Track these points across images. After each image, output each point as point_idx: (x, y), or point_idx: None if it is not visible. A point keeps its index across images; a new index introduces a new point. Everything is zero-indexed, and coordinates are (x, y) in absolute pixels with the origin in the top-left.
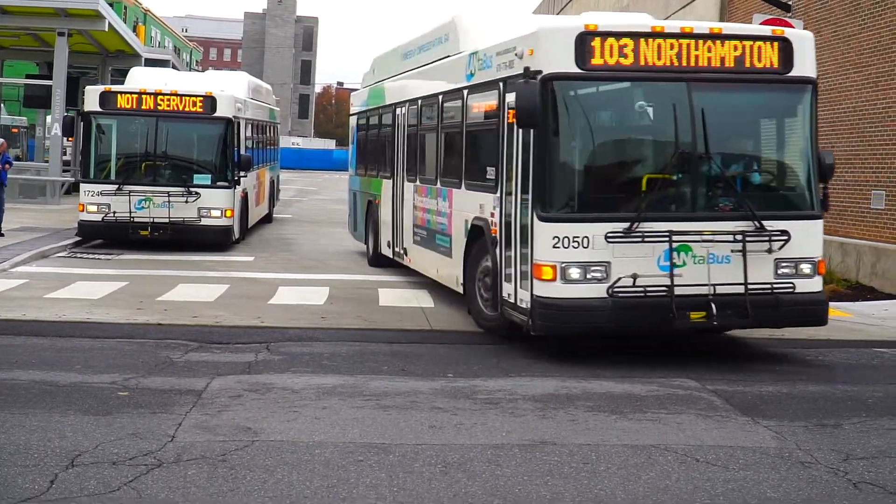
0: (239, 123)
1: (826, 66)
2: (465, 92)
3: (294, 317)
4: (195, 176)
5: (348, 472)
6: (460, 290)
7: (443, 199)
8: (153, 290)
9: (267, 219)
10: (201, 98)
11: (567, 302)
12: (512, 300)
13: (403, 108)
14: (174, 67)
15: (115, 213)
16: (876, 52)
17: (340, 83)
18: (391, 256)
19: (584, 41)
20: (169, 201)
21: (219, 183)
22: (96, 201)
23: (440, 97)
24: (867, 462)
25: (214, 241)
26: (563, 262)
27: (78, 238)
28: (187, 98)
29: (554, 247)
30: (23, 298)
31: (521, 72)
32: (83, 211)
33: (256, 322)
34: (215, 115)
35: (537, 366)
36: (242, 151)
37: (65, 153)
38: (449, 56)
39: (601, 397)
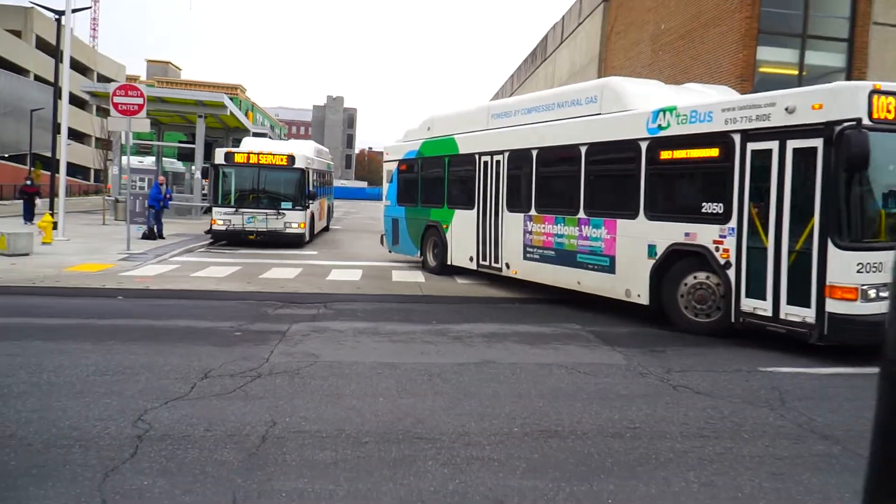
0: (308, 171)
1: None
2: (647, 142)
3: (341, 287)
4: (282, 203)
5: (372, 378)
6: (633, 299)
7: (594, 227)
8: (256, 271)
9: (325, 229)
10: (286, 156)
11: (862, 318)
12: (768, 314)
13: (500, 156)
14: (270, 138)
15: (233, 224)
16: None
17: (370, 147)
18: (475, 268)
19: (871, 98)
20: (266, 218)
21: (296, 207)
22: (222, 218)
23: (588, 146)
24: (681, 374)
25: (294, 242)
26: (863, 285)
27: (211, 240)
28: (278, 155)
29: (857, 272)
30: (176, 277)
31: (781, 125)
32: (214, 224)
33: (318, 290)
34: (294, 166)
35: (485, 316)
36: (311, 188)
37: (203, 189)
38: (602, 113)
39: (523, 335)
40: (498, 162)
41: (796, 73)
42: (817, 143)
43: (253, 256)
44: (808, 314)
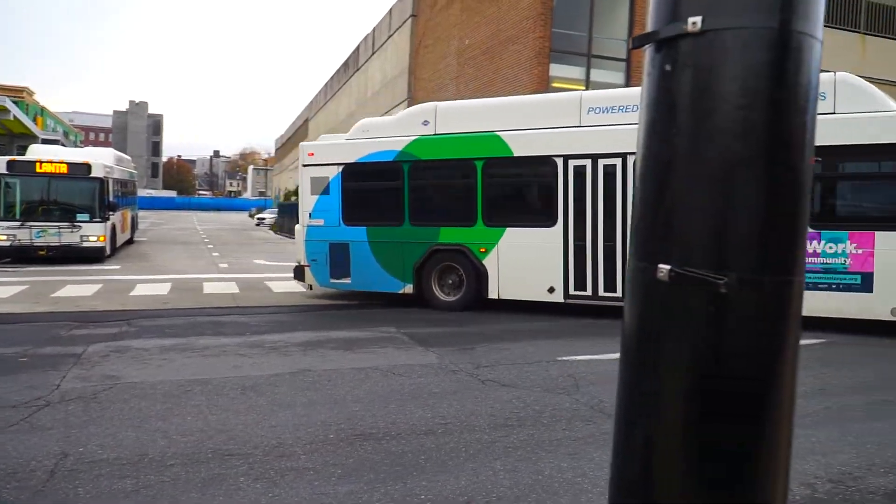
0: (108, 180)
1: None
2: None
3: (146, 303)
4: (78, 214)
5: (179, 397)
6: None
7: (831, 241)
8: (47, 290)
9: (130, 241)
10: (82, 164)
11: None
12: None
13: (617, 160)
14: (63, 145)
15: (20, 239)
16: None
17: (179, 155)
18: (556, 300)
19: None
20: (59, 231)
21: (94, 219)
22: (5, 233)
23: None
24: (489, 368)
25: (92, 256)
26: None
27: None
28: (72, 164)
29: None
30: None
31: None
32: None
33: (120, 307)
34: (90, 175)
35: (301, 325)
36: (110, 198)
37: None
38: (836, 114)
39: (340, 341)
40: (610, 167)
41: (584, 87)
42: None
43: (44, 274)
44: None
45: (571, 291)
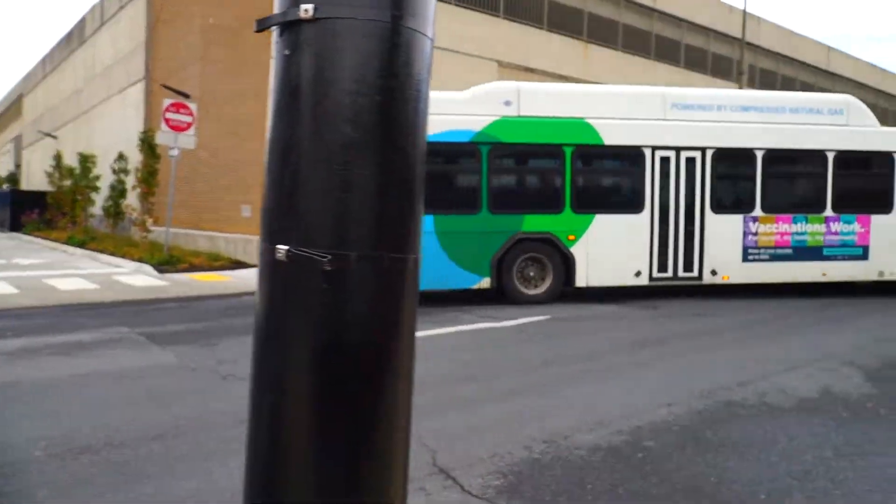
0: None
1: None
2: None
3: None
4: None
5: None
6: (893, 277)
7: (845, 222)
8: None
9: None
10: None
11: None
12: None
13: (696, 153)
14: None
15: None
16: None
17: None
18: (642, 283)
19: None
20: None
21: None
22: None
23: (834, 153)
24: (232, 364)
25: None
26: None
27: None
28: None
29: None
30: None
31: None
32: None
33: None
34: None
35: (11, 331)
36: None
37: None
38: (849, 126)
39: (59, 346)
40: (691, 159)
41: None
42: None
43: None
44: None
45: (655, 274)
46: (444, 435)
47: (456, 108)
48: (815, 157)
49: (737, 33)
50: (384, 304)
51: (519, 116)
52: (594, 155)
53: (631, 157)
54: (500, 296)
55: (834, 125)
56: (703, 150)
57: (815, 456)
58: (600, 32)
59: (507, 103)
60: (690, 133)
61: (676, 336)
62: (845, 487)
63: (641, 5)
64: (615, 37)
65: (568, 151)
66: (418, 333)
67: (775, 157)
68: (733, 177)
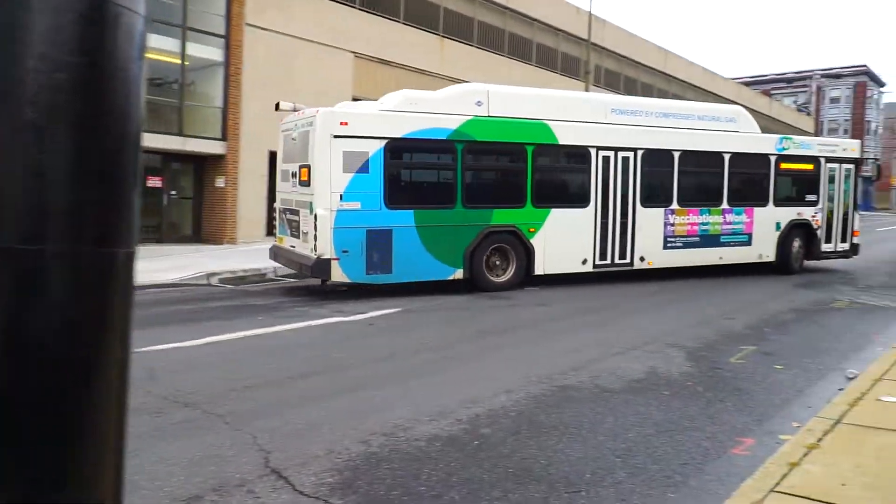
0: None
1: None
2: (775, 157)
3: None
4: None
5: None
6: (767, 259)
7: (736, 213)
8: None
9: None
10: None
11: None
12: (831, 250)
13: (630, 153)
14: None
15: None
16: None
17: None
18: (586, 270)
19: None
20: None
21: None
22: None
23: (732, 154)
24: None
25: None
26: None
27: None
28: None
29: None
30: None
31: (845, 156)
32: None
33: None
34: None
35: None
36: None
37: None
38: (739, 132)
39: None
40: (626, 158)
41: (179, 62)
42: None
43: None
44: (843, 246)
45: (597, 262)
46: (280, 434)
47: (435, 106)
48: (716, 157)
49: (584, 34)
50: (87, 303)
51: (488, 116)
52: (551, 154)
53: (580, 155)
54: (469, 286)
55: (728, 131)
56: (634, 150)
57: (637, 433)
58: (456, 28)
59: (479, 104)
60: (626, 135)
61: (522, 325)
62: (663, 462)
63: (496, 4)
64: (470, 33)
65: (529, 150)
66: (266, 329)
67: (688, 157)
68: (657, 174)
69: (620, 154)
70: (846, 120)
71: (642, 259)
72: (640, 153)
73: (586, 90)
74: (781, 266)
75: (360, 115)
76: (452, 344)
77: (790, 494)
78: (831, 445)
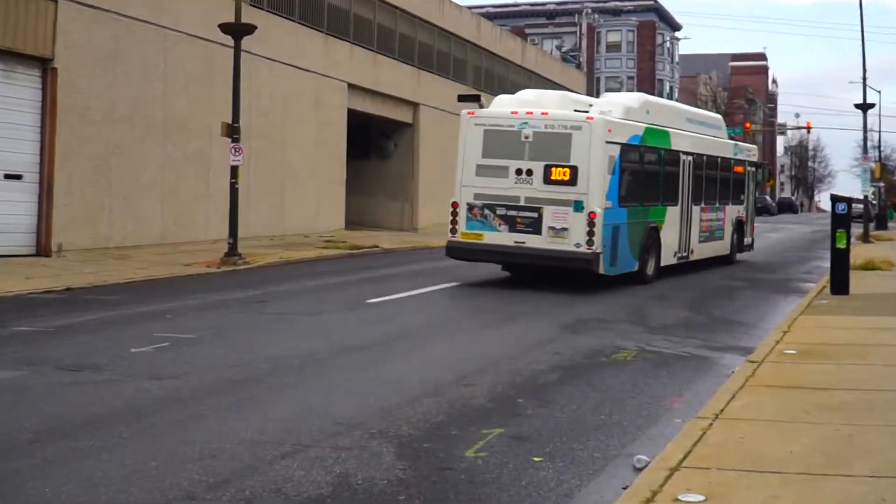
0: None
1: None
2: (732, 161)
3: None
4: None
5: None
6: (727, 252)
7: (720, 211)
8: None
9: None
10: None
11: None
12: (749, 243)
13: (687, 157)
14: None
15: None
16: None
17: None
18: (675, 263)
19: None
20: None
21: None
22: None
23: (720, 158)
24: None
25: None
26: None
27: None
28: None
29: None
30: None
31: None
32: None
33: None
34: None
35: None
36: None
37: None
38: (720, 138)
39: None
40: (686, 162)
41: None
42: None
43: None
44: (748, 242)
45: (679, 255)
46: None
47: (629, 113)
48: (721, 161)
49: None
50: None
51: (653, 126)
52: (667, 158)
53: (675, 159)
54: (638, 279)
55: (720, 138)
56: (691, 154)
57: None
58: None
59: (647, 112)
60: (692, 141)
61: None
62: None
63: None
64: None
65: (661, 154)
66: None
67: (709, 161)
68: (699, 176)
69: (688, 158)
70: (630, 78)
71: (693, 252)
72: (691, 157)
73: None
74: (732, 256)
75: (618, 123)
76: None
77: None
78: None
